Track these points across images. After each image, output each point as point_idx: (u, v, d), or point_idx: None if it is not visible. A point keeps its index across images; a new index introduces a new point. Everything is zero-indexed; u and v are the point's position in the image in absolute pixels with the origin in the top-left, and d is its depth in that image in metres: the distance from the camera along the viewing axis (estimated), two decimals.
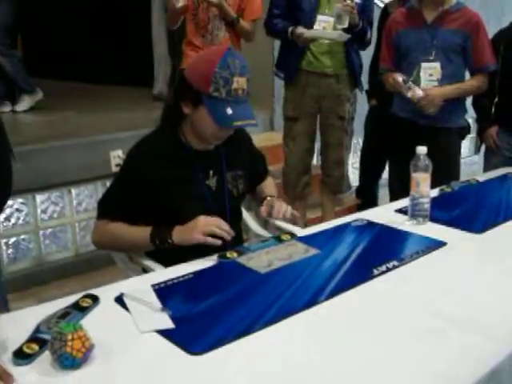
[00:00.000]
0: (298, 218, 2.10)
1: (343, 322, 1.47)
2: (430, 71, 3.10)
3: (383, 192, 4.38)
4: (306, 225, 3.54)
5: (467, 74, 3.30)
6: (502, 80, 3.33)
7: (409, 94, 3.07)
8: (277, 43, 4.41)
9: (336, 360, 1.31)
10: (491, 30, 3.37)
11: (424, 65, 3.11)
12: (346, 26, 3.36)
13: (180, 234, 1.85)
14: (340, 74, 3.61)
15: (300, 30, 3.41)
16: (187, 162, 1.99)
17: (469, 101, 3.40)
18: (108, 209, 1.99)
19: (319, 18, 3.43)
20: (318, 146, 3.97)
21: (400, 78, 3.08)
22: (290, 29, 3.44)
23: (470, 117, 3.70)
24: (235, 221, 2.13)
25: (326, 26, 3.43)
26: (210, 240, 1.81)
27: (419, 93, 3.06)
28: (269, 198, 2.14)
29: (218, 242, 1.81)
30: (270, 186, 2.30)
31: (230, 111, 1.86)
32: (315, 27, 3.45)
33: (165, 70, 5.51)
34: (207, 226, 1.82)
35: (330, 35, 3.44)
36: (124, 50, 6.50)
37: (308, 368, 1.27)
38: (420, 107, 3.08)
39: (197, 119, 1.93)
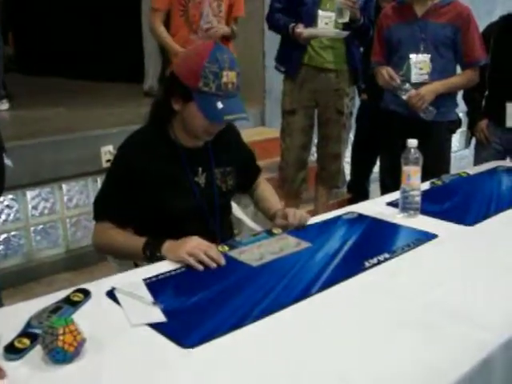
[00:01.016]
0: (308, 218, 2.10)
1: (335, 315, 1.48)
2: (419, 65, 3.10)
3: (374, 186, 4.39)
4: None
5: (458, 68, 3.31)
6: (492, 74, 3.34)
7: (404, 97, 3.07)
8: (267, 38, 4.40)
9: (328, 352, 1.31)
10: (481, 24, 3.38)
11: (413, 59, 3.11)
12: (346, 20, 3.36)
13: (168, 249, 1.81)
14: (340, 69, 3.61)
15: (299, 29, 3.42)
16: (176, 159, 1.98)
17: (459, 95, 3.40)
18: (103, 209, 1.98)
19: (320, 13, 3.43)
20: (314, 140, 3.97)
21: (398, 79, 3.08)
22: (291, 26, 3.45)
23: (461, 111, 3.71)
24: (224, 216, 2.13)
25: (327, 22, 3.43)
26: (193, 262, 1.73)
27: (412, 92, 3.07)
28: (279, 212, 2.11)
29: (200, 268, 1.73)
30: (271, 195, 2.28)
31: (220, 105, 1.85)
32: (317, 22, 3.45)
33: (155, 65, 5.48)
34: (196, 249, 1.76)
35: (328, 33, 3.45)
36: (114, 45, 6.47)
37: (300, 360, 1.27)
38: (412, 105, 3.08)
39: (187, 115, 1.92)
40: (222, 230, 2.03)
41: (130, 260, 2.03)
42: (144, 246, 1.85)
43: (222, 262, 1.76)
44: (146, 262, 1.85)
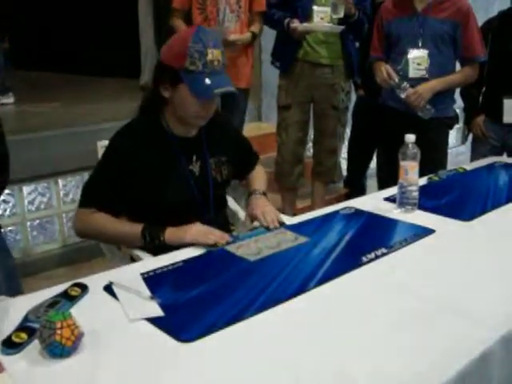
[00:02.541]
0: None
1: (332, 309, 1.48)
2: (417, 60, 3.09)
3: (371, 182, 4.39)
4: (294, 214, 3.55)
5: (458, 64, 3.30)
6: (490, 70, 3.34)
7: (403, 95, 3.07)
8: (265, 33, 4.40)
9: (326, 346, 1.31)
10: (479, 20, 3.37)
11: (412, 54, 3.10)
12: (341, 16, 3.37)
13: (172, 233, 1.85)
14: (335, 65, 3.63)
15: (294, 24, 3.43)
16: (170, 147, 1.99)
17: (457, 90, 3.40)
18: (92, 196, 1.97)
19: (316, 8, 3.44)
20: (310, 135, 3.98)
21: (396, 78, 3.08)
22: (286, 21, 3.46)
23: (458, 106, 3.71)
24: (219, 208, 2.13)
25: (323, 17, 3.44)
26: (202, 240, 1.82)
27: (410, 91, 3.06)
28: (248, 210, 2.13)
29: (210, 242, 1.82)
30: (258, 177, 2.29)
31: (208, 82, 1.87)
32: (313, 17, 3.46)
33: (151, 60, 5.47)
34: (201, 232, 1.84)
35: (323, 28, 3.46)
36: (111, 40, 6.46)
37: (298, 354, 1.27)
38: (410, 104, 3.08)
39: (178, 99, 1.93)
40: (217, 222, 2.03)
41: (116, 244, 2.06)
42: (143, 231, 1.86)
43: (228, 238, 1.86)
44: (138, 248, 1.90)
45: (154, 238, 1.86)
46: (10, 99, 4.82)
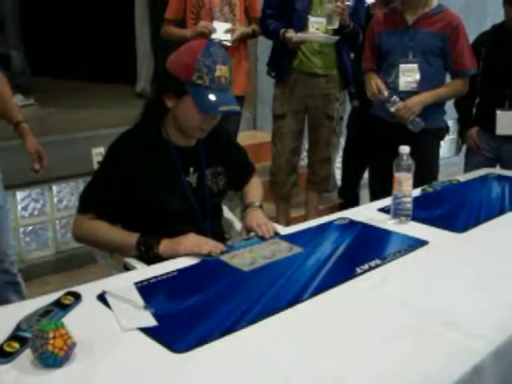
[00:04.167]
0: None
1: (326, 321, 1.48)
2: (408, 73, 3.11)
3: (365, 192, 4.40)
4: (288, 223, 3.56)
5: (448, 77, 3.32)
6: (483, 82, 3.36)
7: (392, 109, 3.08)
8: (260, 43, 4.43)
9: (318, 358, 1.31)
10: (473, 33, 3.40)
11: (402, 67, 3.12)
12: (336, 26, 3.39)
13: (167, 245, 1.85)
14: (330, 74, 3.64)
15: (289, 34, 3.45)
16: (168, 157, 1.99)
17: (449, 102, 3.42)
18: (90, 203, 1.98)
19: (311, 19, 3.45)
20: (305, 145, 3.99)
21: (386, 92, 3.09)
22: (281, 31, 3.48)
23: (452, 118, 3.73)
24: (215, 217, 2.13)
25: (318, 27, 3.45)
26: (196, 251, 1.82)
27: (399, 105, 3.08)
28: (245, 221, 2.12)
29: (204, 252, 1.82)
30: (254, 190, 2.28)
31: (213, 98, 1.87)
32: (308, 28, 3.47)
33: (148, 67, 5.49)
34: (195, 246, 1.83)
35: (318, 38, 3.47)
36: (107, 47, 6.46)
37: (291, 366, 1.27)
38: (400, 118, 3.09)
39: (181, 111, 1.93)
40: (212, 232, 2.03)
41: (112, 252, 2.06)
42: (138, 241, 1.86)
43: (223, 248, 1.86)
44: (132, 258, 1.90)
45: (148, 249, 1.86)
46: (30, 100, 4.84)
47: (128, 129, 2.04)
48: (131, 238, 1.89)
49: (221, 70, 1.87)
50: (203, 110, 1.89)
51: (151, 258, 1.86)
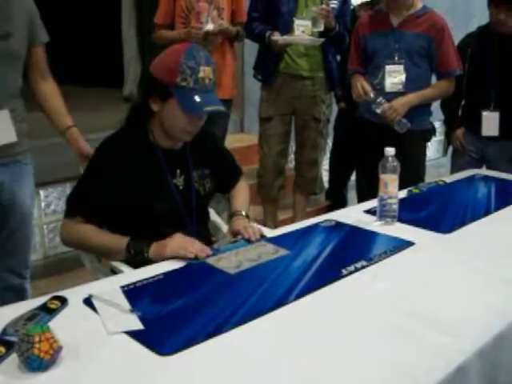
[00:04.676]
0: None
1: (312, 322, 1.48)
2: (394, 74, 3.14)
3: (353, 194, 4.42)
4: (276, 226, 3.56)
5: (434, 78, 3.35)
6: (469, 83, 3.38)
7: (378, 110, 3.10)
8: (247, 46, 4.44)
9: (304, 359, 1.31)
10: (459, 35, 3.42)
11: (388, 68, 3.14)
12: (321, 29, 3.42)
13: (155, 250, 1.85)
14: (316, 77, 3.66)
15: (275, 37, 3.47)
16: (155, 160, 1.99)
17: (435, 103, 3.44)
18: (77, 206, 1.97)
19: (297, 21, 3.48)
20: (292, 147, 4.00)
21: (372, 93, 3.11)
22: (267, 35, 3.49)
23: (438, 119, 3.75)
24: (202, 220, 2.14)
25: (304, 30, 3.48)
26: (182, 254, 1.82)
27: (385, 106, 3.10)
28: (231, 226, 2.11)
29: (190, 256, 1.82)
30: (241, 197, 2.27)
31: (198, 99, 1.88)
32: (294, 31, 3.49)
33: (135, 71, 5.48)
34: (181, 249, 1.82)
35: (303, 41, 3.50)
36: (94, 51, 6.45)
37: (277, 367, 1.28)
38: (385, 119, 3.11)
39: (166, 114, 1.93)
40: (199, 235, 2.03)
41: (100, 256, 2.06)
42: (128, 244, 1.86)
43: (208, 251, 1.84)
44: (119, 261, 1.90)
45: (138, 253, 1.86)
46: None
47: (113, 132, 2.04)
48: (120, 241, 1.88)
49: (204, 71, 1.88)
50: (188, 111, 1.89)
51: (138, 262, 1.86)
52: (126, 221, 1.95)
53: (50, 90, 2.54)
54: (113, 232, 1.96)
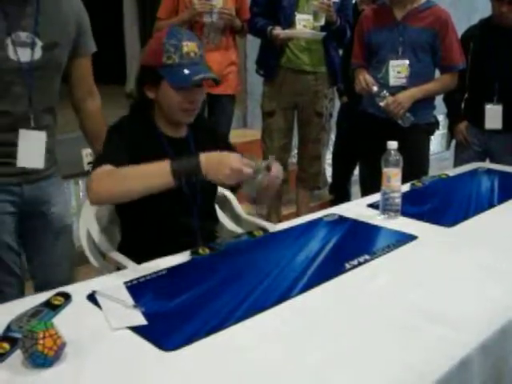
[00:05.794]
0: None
1: (315, 317, 1.48)
2: (397, 69, 3.13)
3: (356, 188, 4.42)
4: (280, 221, 3.57)
5: (437, 72, 3.34)
6: (472, 76, 3.38)
7: (382, 104, 3.10)
8: (249, 41, 4.44)
9: (309, 354, 1.31)
10: (462, 28, 3.42)
11: (392, 62, 3.14)
12: (322, 23, 3.42)
13: (209, 169, 1.71)
14: (318, 71, 3.66)
15: (276, 31, 3.47)
16: (160, 148, 1.99)
17: (438, 97, 3.43)
18: (106, 157, 1.86)
19: (298, 16, 3.49)
20: (295, 142, 4.00)
21: (375, 87, 3.11)
22: (268, 29, 3.50)
23: (441, 113, 3.74)
24: (207, 211, 2.12)
25: (305, 24, 3.48)
26: (246, 170, 1.71)
27: (389, 99, 3.09)
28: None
29: (250, 171, 1.73)
30: None
31: (186, 71, 1.89)
32: (295, 25, 3.50)
33: (137, 67, 5.47)
34: (235, 173, 1.70)
35: (304, 35, 3.50)
36: (96, 47, 6.45)
37: (281, 362, 1.28)
38: (389, 112, 3.11)
39: (162, 97, 1.94)
40: (203, 228, 2.04)
41: (144, 193, 1.79)
42: (173, 169, 1.72)
43: (252, 164, 1.75)
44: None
45: (190, 176, 1.73)
46: None
47: (120, 118, 2.02)
48: (163, 169, 1.73)
49: (188, 46, 1.90)
50: (177, 84, 1.90)
51: (142, 246, 1.88)
52: (129, 208, 1.91)
53: (96, 108, 2.34)
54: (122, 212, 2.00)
